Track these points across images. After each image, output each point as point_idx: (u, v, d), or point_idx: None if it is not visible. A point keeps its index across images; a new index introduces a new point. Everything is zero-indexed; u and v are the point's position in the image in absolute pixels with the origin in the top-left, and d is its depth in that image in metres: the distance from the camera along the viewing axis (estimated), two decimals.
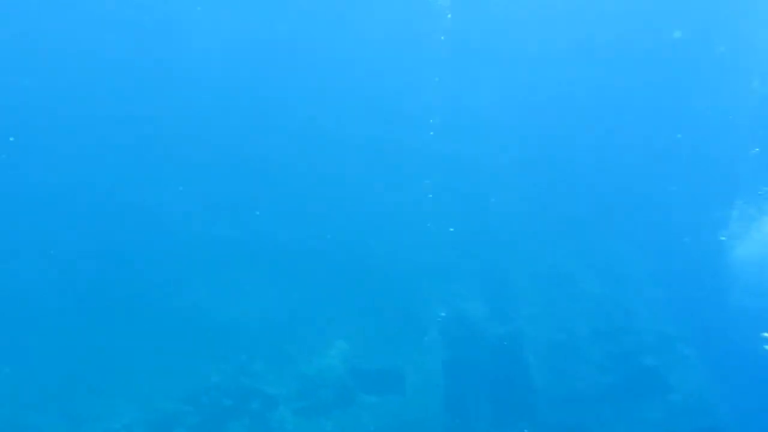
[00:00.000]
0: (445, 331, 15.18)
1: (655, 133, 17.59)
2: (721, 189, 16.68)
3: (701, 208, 16.56)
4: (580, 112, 17.49)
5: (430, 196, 16.95)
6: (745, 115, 17.50)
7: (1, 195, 15.62)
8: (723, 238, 16.13)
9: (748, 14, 17.81)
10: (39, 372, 13.27)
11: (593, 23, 17.60)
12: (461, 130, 17.43)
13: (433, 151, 17.27)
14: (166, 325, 14.42)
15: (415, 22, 17.65)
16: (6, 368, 13.30)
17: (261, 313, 14.95)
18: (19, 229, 15.30)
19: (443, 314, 15.37)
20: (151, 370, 13.76)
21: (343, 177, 16.88)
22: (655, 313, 15.49)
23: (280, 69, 17.66)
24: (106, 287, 14.74)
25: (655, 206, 16.93)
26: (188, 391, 13.73)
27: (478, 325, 15.27)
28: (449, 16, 17.76)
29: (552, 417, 13.92)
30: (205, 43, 17.39)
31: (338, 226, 16.25)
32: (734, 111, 17.48)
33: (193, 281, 15.20)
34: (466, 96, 17.69)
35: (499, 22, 17.67)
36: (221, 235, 15.87)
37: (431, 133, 17.61)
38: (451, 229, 16.50)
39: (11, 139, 16.14)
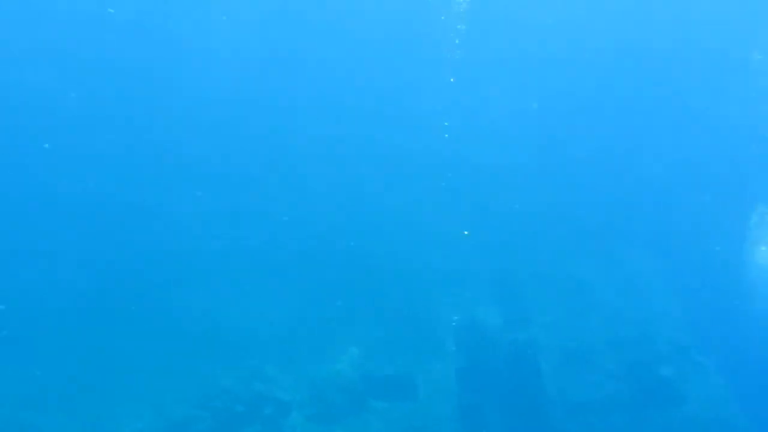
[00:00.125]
0: (458, 337, 15.11)
1: (681, 141, 17.34)
2: (741, 198, 16.39)
3: (720, 217, 16.29)
4: (602, 118, 17.28)
5: (446, 199, 16.85)
6: None
7: (20, 200, 15.76)
8: (741, 247, 15.86)
9: None
10: (54, 377, 13.39)
11: (621, 28, 17.37)
12: (477, 134, 17.29)
13: (448, 155, 17.16)
14: (179, 330, 14.50)
15: (430, 25, 17.52)
16: (37, 371, 13.44)
17: (274, 319, 14.99)
18: (39, 233, 15.45)
19: (456, 320, 15.29)
20: (164, 375, 13.84)
21: (357, 182, 16.86)
22: (671, 322, 15.29)
23: (297, 76, 17.67)
24: (120, 292, 14.84)
25: (673, 215, 16.68)
26: (201, 396, 13.80)
27: (491, 331, 15.17)
28: (461, 26, 17.64)
29: (565, 426, 13.79)
30: (224, 50, 17.43)
31: (351, 232, 16.23)
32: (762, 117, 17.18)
33: (208, 287, 15.28)
34: (483, 99, 17.56)
35: (517, 26, 17.46)
36: (236, 241, 15.93)
37: (446, 135, 17.50)
38: (466, 232, 16.38)
39: (46, 145, 16.27)
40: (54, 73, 16.78)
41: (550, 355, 14.80)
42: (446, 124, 17.49)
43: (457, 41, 17.55)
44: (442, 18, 17.68)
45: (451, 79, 17.75)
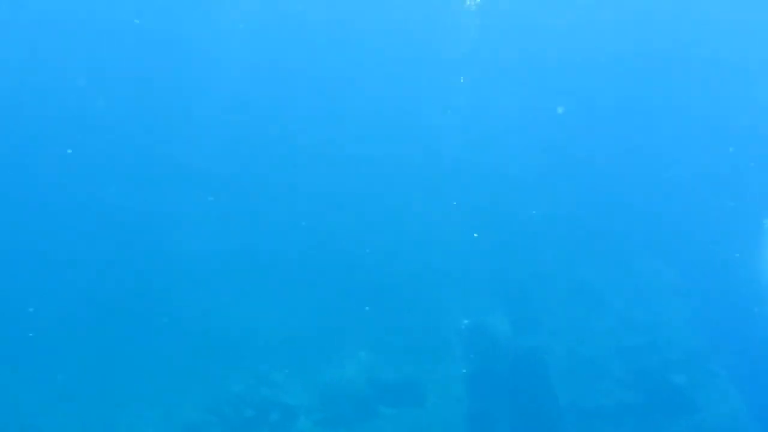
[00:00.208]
0: (466, 342, 15.00)
1: (701, 145, 16.89)
2: (757, 203, 15.91)
3: (735, 223, 15.83)
4: (615, 123, 16.92)
5: (454, 203, 16.71)
6: None
7: (30, 205, 16.11)
8: (756, 254, 15.39)
9: None
10: (65, 383, 13.71)
11: (641, 33, 16.97)
12: (486, 136, 17.09)
13: (457, 158, 17.01)
14: (188, 335, 14.70)
15: (441, 31, 17.37)
16: (70, 376, 13.77)
17: (282, 324, 15.08)
18: (50, 238, 15.77)
19: (465, 325, 15.18)
20: (174, 380, 14.07)
21: (366, 187, 16.81)
22: (684, 328, 14.94)
23: (309, 82, 17.68)
24: (131, 297, 15.08)
25: (688, 220, 16.25)
26: (210, 401, 14.00)
27: (500, 337, 15.02)
28: (476, 23, 17.43)
29: None
30: (242, 56, 17.52)
31: (360, 236, 16.21)
32: None
33: (217, 291, 15.42)
34: (493, 104, 17.33)
35: (528, 28, 17.17)
36: (245, 246, 16.03)
37: (455, 137, 17.35)
38: (475, 235, 16.23)
39: (69, 151, 16.61)
40: (84, 82, 17.14)
41: (559, 361, 14.60)
42: (456, 130, 17.33)
43: (469, 44, 17.37)
44: (453, 18, 17.50)
45: (461, 79, 17.55)
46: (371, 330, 15.05)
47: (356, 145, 17.22)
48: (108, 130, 16.98)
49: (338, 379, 14.45)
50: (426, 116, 17.41)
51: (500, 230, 16.22)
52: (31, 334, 14.25)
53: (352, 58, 17.99)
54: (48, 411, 13.30)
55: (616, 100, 17.00)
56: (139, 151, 17.01)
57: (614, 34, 16.86)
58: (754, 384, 13.84)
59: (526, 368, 14.67)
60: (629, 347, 14.73)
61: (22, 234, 15.76)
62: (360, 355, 14.79)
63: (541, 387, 14.36)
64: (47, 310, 14.67)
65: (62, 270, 15.36)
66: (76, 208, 16.19)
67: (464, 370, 14.53)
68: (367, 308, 15.31)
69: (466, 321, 15.24)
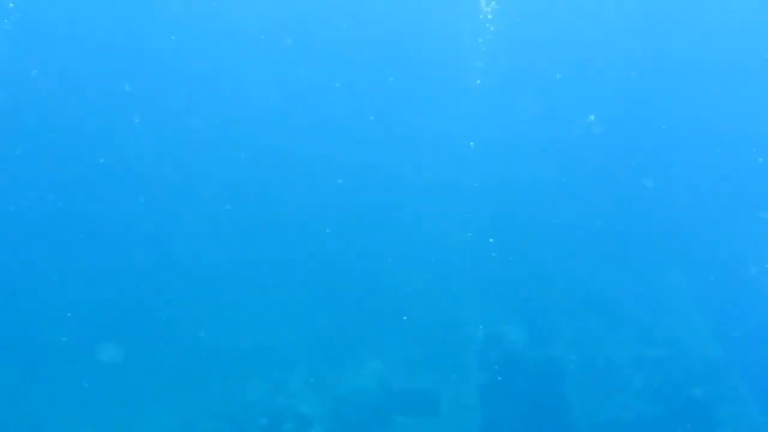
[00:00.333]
0: (481, 352, 14.90)
1: (726, 158, 16.59)
2: None
3: (755, 235, 15.55)
4: (636, 132, 16.65)
5: (471, 212, 16.58)
6: None
7: (46, 217, 16.22)
8: None
9: None
10: (80, 390, 13.81)
11: (663, 40, 16.68)
12: (505, 144, 16.91)
13: (475, 165, 16.86)
14: (204, 344, 14.77)
15: (456, 39, 17.24)
16: (85, 383, 13.88)
17: (297, 333, 15.07)
18: (72, 247, 15.88)
19: (480, 335, 15.08)
20: (189, 388, 14.14)
21: (382, 195, 16.72)
22: (704, 341, 14.70)
23: (324, 92, 17.61)
24: (147, 306, 15.15)
25: (706, 231, 15.97)
26: (225, 410, 14.05)
27: (516, 347, 14.89)
28: (491, 28, 17.26)
29: None
30: (265, 67, 17.52)
31: (376, 246, 16.14)
32: None
33: (233, 300, 15.44)
34: (509, 112, 17.17)
35: (549, 37, 16.96)
36: (261, 255, 16.02)
37: (471, 144, 17.22)
38: (491, 239, 16.11)
39: (101, 160, 16.71)
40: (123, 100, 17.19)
41: (576, 373, 14.46)
42: (471, 144, 17.19)
43: (483, 49, 17.21)
44: (469, 25, 17.35)
45: (477, 81, 17.39)
46: (386, 339, 14.99)
47: (371, 153, 17.13)
48: (139, 143, 16.99)
49: (353, 389, 14.42)
50: (442, 123, 17.27)
51: (517, 239, 16.06)
52: (64, 339, 14.37)
53: (365, 65, 17.90)
54: (64, 418, 13.41)
55: (638, 108, 16.74)
56: (157, 161, 17.03)
57: (632, 41, 16.60)
58: None
59: (543, 379, 14.54)
60: (648, 359, 14.52)
61: (45, 243, 15.86)
62: (375, 364, 14.74)
63: (558, 399, 14.23)
64: (65, 317, 14.81)
65: (82, 277, 15.48)
66: (99, 218, 16.27)
67: (479, 380, 14.43)
68: (382, 317, 15.24)
69: (481, 330, 15.13)
